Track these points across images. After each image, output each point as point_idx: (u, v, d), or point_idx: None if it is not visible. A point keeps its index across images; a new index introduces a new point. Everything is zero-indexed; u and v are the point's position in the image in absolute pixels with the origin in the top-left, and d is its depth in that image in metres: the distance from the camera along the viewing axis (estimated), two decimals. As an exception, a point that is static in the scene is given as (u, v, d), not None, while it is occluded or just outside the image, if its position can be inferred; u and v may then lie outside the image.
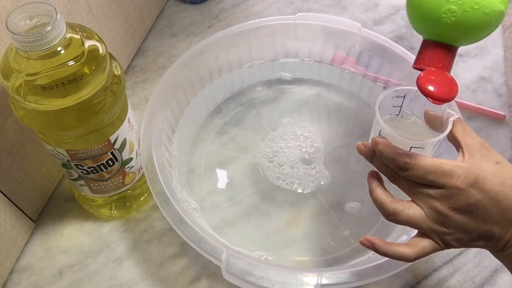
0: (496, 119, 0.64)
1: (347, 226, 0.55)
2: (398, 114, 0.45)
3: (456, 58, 0.73)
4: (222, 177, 0.59)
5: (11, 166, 0.49)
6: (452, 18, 0.39)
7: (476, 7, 0.39)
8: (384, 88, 0.62)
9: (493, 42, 0.72)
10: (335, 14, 0.76)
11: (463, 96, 0.66)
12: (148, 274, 0.52)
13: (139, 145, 0.51)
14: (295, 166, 0.59)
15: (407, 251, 0.38)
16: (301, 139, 0.61)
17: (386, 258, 0.44)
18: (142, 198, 0.56)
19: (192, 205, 0.54)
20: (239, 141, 0.62)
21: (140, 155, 0.52)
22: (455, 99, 0.41)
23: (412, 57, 0.57)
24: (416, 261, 0.44)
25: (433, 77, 0.39)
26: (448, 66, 0.41)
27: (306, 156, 0.59)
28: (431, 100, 0.39)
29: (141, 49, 0.73)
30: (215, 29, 0.75)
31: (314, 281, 0.43)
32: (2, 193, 0.49)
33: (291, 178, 0.58)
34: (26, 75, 0.38)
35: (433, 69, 0.41)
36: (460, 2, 0.39)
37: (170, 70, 0.57)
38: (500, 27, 0.74)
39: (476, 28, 0.40)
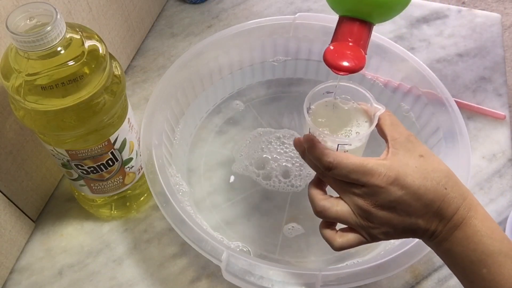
0: (496, 119, 0.64)
1: (347, 226, 0.55)
2: (336, 98, 0.44)
3: (456, 58, 0.73)
4: (222, 177, 0.59)
5: (11, 166, 0.49)
6: None
7: None
8: (384, 88, 0.62)
9: (493, 42, 0.72)
10: (335, 14, 0.76)
11: (463, 96, 0.66)
12: (148, 274, 0.52)
13: (139, 145, 0.51)
14: (294, 165, 0.59)
15: (336, 239, 0.39)
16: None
17: (386, 258, 0.44)
18: (142, 198, 0.56)
19: (183, 188, 0.54)
20: (239, 141, 0.62)
21: (140, 155, 0.52)
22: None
23: (412, 57, 0.57)
24: (416, 261, 0.44)
25: (342, 50, 0.39)
26: (362, 41, 0.41)
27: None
28: (334, 70, 0.39)
29: (141, 49, 0.73)
30: (215, 29, 0.75)
31: (314, 281, 0.43)
32: (2, 193, 0.49)
33: (290, 178, 0.58)
34: (26, 75, 0.38)
35: (350, 43, 0.40)
36: None
37: (170, 70, 0.57)
38: (500, 27, 0.74)
39: (387, 3, 0.40)
